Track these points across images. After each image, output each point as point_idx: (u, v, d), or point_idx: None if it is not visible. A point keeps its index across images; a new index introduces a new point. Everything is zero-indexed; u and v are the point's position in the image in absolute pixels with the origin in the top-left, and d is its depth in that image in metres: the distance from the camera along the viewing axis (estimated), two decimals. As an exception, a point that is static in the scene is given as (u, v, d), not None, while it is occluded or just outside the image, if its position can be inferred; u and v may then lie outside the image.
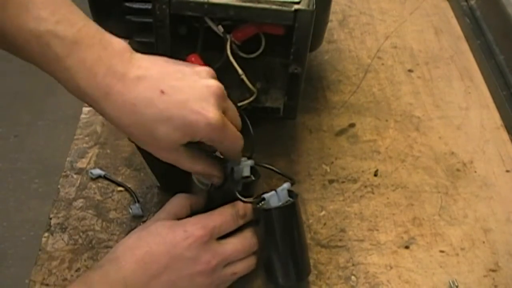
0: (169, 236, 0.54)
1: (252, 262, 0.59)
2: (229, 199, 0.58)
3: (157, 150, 0.52)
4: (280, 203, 0.56)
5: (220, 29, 0.60)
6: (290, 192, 0.57)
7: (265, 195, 0.56)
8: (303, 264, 0.59)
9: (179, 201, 0.59)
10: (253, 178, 0.60)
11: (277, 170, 0.63)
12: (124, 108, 0.48)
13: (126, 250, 0.54)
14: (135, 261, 0.52)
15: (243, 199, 0.56)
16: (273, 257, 0.57)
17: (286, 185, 0.57)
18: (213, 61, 0.61)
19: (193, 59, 0.61)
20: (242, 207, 0.58)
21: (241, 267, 0.58)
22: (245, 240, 0.57)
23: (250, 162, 0.59)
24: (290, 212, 0.57)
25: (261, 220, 0.57)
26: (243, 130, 0.57)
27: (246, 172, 0.59)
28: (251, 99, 0.63)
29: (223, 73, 0.62)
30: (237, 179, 0.58)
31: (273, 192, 0.56)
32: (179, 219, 0.57)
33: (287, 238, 0.57)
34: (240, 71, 0.61)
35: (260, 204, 0.56)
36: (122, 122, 0.49)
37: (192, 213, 0.58)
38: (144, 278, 0.52)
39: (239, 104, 0.63)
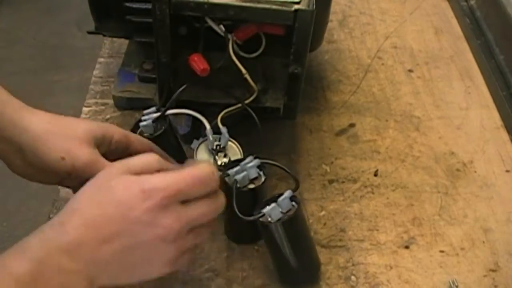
0: (124, 195, 0.47)
1: (214, 227, 0.54)
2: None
3: (78, 145, 0.54)
4: (282, 213, 0.55)
5: (221, 29, 0.60)
6: (292, 197, 0.56)
7: (265, 210, 0.55)
8: (314, 262, 0.60)
9: (147, 161, 0.51)
10: (262, 180, 0.58)
11: (283, 167, 0.61)
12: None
13: (73, 212, 0.47)
14: (84, 224, 0.46)
15: (243, 217, 0.55)
16: (285, 263, 0.58)
17: (287, 194, 0.55)
18: (213, 61, 0.61)
19: (195, 58, 0.61)
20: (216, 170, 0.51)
21: (205, 235, 0.52)
22: (212, 203, 0.51)
23: (255, 162, 0.58)
24: (294, 221, 0.56)
25: (266, 233, 0.57)
26: (250, 128, 0.57)
27: (253, 174, 0.58)
28: (251, 98, 0.63)
29: (223, 73, 0.62)
30: (244, 185, 0.57)
31: (273, 205, 0.55)
32: None
33: (294, 245, 0.57)
34: (243, 70, 0.61)
35: (262, 218, 0.55)
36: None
37: None
38: (93, 243, 0.46)
39: (246, 102, 0.63)
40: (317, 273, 0.61)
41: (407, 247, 0.65)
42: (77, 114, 0.77)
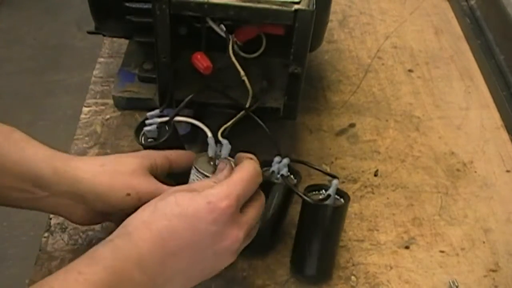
0: (190, 208, 0.48)
1: (257, 228, 0.56)
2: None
3: (138, 178, 0.55)
4: (334, 199, 0.58)
5: (222, 29, 0.60)
6: (338, 190, 0.59)
7: (330, 192, 0.58)
8: (333, 261, 0.62)
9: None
10: (294, 179, 0.61)
11: (317, 167, 0.64)
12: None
13: (141, 225, 0.48)
14: (151, 237, 0.47)
15: (307, 199, 0.57)
16: (314, 249, 0.59)
17: (336, 182, 0.58)
18: (214, 61, 0.61)
19: (199, 56, 0.61)
20: (257, 162, 0.55)
21: (253, 236, 0.54)
22: (258, 200, 0.53)
23: (286, 161, 0.60)
24: (341, 211, 0.59)
25: (311, 214, 0.58)
26: (250, 129, 0.59)
27: (285, 172, 0.60)
28: (248, 101, 0.63)
29: (224, 73, 0.62)
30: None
31: (331, 189, 0.58)
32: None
33: (335, 234, 0.59)
34: (242, 72, 0.61)
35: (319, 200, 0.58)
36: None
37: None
38: (161, 257, 0.47)
39: (248, 107, 0.63)
40: (330, 275, 0.62)
41: (407, 247, 0.65)
42: (77, 114, 0.77)
